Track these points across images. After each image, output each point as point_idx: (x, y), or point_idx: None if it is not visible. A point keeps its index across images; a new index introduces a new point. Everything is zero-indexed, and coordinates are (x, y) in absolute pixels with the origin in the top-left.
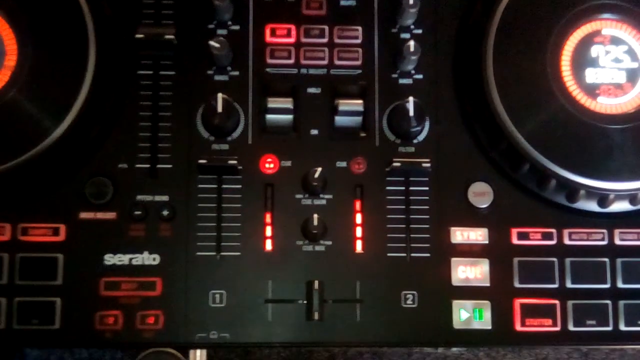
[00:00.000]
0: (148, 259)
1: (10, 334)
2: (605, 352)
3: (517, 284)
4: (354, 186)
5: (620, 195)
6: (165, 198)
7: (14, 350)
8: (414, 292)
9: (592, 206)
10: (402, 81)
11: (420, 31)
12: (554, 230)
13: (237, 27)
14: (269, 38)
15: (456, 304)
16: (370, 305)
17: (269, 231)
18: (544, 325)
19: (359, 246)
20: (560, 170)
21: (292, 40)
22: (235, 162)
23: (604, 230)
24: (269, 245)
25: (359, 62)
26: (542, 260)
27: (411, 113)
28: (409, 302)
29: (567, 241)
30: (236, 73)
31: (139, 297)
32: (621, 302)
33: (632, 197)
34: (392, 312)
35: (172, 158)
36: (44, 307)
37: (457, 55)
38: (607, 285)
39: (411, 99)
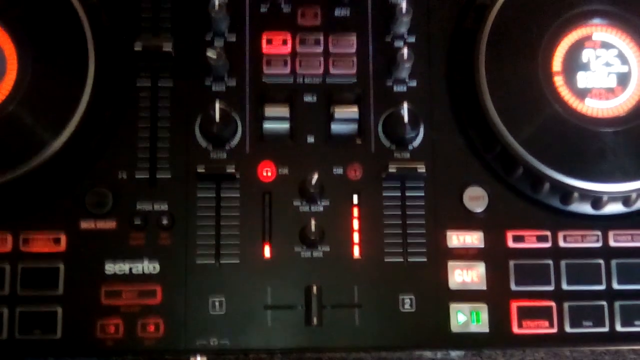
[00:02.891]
0: (148, 267)
1: (13, 344)
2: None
3: (513, 287)
4: (350, 192)
5: (613, 197)
6: (164, 207)
7: None
8: (412, 296)
9: (586, 208)
10: (396, 88)
11: (413, 39)
12: (548, 233)
13: (233, 38)
14: (265, 48)
15: (453, 307)
16: (369, 310)
17: (267, 238)
18: (541, 327)
19: (356, 251)
20: (553, 173)
21: (288, 49)
22: (233, 170)
23: (598, 232)
24: (267, 252)
25: (354, 71)
26: (537, 263)
27: (406, 119)
28: (406, 306)
29: (562, 243)
30: (233, 83)
31: (140, 305)
32: (617, 303)
33: (625, 199)
34: (390, 317)
35: (171, 167)
36: (45, 317)
37: (450, 62)
38: (603, 287)
39: (405, 105)
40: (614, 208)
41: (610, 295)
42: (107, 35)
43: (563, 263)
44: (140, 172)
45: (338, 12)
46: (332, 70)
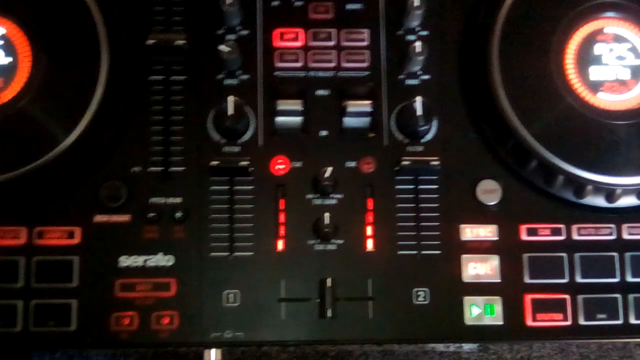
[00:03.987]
0: (162, 260)
1: (27, 336)
2: None
3: (527, 280)
4: (363, 185)
5: (627, 190)
6: (178, 200)
7: (30, 353)
8: (426, 289)
9: (600, 201)
10: (409, 82)
11: (426, 32)
12: (562, 226)
13: (246, 32)
14: (277, 42)
15: (467, 300)
16: (382, 302)
17: (281, 231)
18: (555, 320)
19: (370, 244)
20: (567, 166)
21: (300, 43)
22: (246, 163)
23: (612, 225)
24: (281, 245)
25: (366, 64)
26: (551, 256)
27: (419, 112)
28: (420, 299)
29: (575, 236)
30: (246, 77)
31: (154, 298)
32: (631, 296)
33: (639, 192)
34: (404, 309)
35: (184, 161)
36: (60, 310)
37: (463, 55)
38: (617, 279)
39: (418, 98)
40: (628, 201)
41: (624, 288)
42: (120, 29)
43: (577, 256)
44: (154, 165)
45: (350, 6)
46: (344, 64)
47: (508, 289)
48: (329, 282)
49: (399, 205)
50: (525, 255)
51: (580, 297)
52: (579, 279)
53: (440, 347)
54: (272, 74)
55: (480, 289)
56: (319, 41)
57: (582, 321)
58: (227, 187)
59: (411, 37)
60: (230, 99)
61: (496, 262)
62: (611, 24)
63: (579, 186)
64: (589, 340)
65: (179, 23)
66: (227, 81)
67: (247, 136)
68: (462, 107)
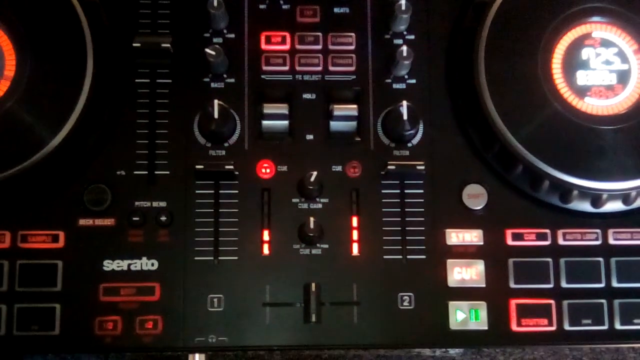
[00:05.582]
0: (146, 264)
1: (11, 340)
2: None
3: (512, 285)
4: (349, 190)
5: (613, 195)
6: (163, 204)
7: (14, 358)
8: (411, 294)
9: (586, 206)
10: (395, 86)
11: (413, 37)
12: (548, 231)
13: (232, 35)
14: (264, 45)
15: (452, 305)
16: (367, 307)
17: (266, 235)
18: (540, 325)
19: (355, 249)
20: (553, 171)
21: (286, 47)
22: (232, 167)
23: (598, 230)
24: (266, 250)
25: (353, 68)
26: (536, 261)
27: (405, 117)
28: (405, 303)
29: (561, 241)
30: (232, 80)
31: (138, 302)
32: (616, 301)
33: (624, 197)
34: (389, 314)
35: (169, 165)
36: (44, 314)
37: (449, 60)
38: (602, 285)
39: (405, 103)
40: (614, 206)
41: (610, 293)
42: (106, 32)
43: (562, 261)
44: (139, 169)
45: (337, 10)
46: (331, 68)
47: (493, 293)
48: (313, 286)
49: (385, 209)
50: (511, 260)
51: (565, 302)
52: (564, 284)
53: (426, 351)
54: (258, 78)
55: (466, 293)
56: (305, 45)
57: (567, 326)
58: (212, 191)
59: (398, 41)
60: (216, 103)
61: (481, 266)
62: (598, 29)
63: (565, 191)
64: (573, 345)
65: (165, 26)
66: (213, 84)
67: (232, 140)
68: (448, 112)
